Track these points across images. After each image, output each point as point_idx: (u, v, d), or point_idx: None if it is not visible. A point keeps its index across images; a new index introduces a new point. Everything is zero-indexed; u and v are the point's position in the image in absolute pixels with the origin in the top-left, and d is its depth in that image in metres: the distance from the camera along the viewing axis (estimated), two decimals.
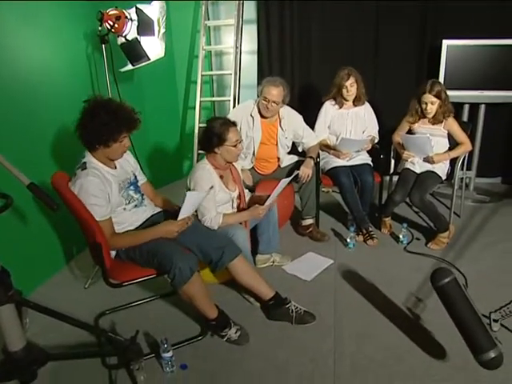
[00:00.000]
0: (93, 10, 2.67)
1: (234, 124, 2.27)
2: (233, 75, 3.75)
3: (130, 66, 2.84)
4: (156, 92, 3.88)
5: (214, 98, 4.26)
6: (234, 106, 3.69)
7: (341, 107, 3.01)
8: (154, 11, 2.74)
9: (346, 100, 2.99)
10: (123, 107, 1.84)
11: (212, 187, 2.12)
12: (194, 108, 3.88)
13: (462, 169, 3.13)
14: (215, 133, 2.21)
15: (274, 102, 2.67)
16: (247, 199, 2.50)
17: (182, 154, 4.35)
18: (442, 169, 2.85)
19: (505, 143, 3.77)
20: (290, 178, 2.41)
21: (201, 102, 3.85)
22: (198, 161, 3.69)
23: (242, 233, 2.24)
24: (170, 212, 2.16)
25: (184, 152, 4.33)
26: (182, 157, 4.36)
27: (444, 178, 2.87)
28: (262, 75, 3.85)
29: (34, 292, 2.44)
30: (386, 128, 3.18)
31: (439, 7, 3.46)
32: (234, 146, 2.24)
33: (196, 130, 3.83)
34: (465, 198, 3.36)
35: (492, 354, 1.63)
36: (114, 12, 2.60)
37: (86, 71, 2.94)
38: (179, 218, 1.92)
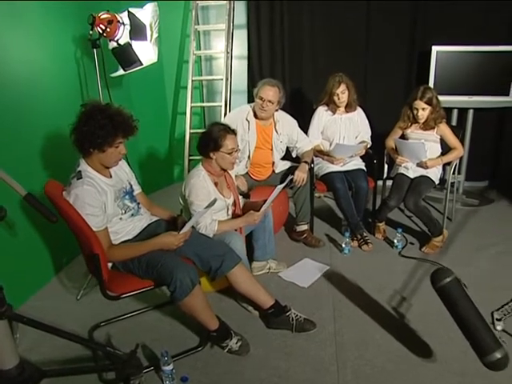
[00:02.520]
0: (84, 13, 2.60)
1: (233, 132, 2.26)
2: (224, 80, 3.72)
3: (121, 71, 2.77)
4: (145, 97, 3.81)
5: (205, 104, 4.21)
6: (226, 112, 3.65)
7: (334, 113, 3.01)
8: (146, 15, 2.69)
9: (338, 106, 2.99)
10: (121, 112, 1.80)
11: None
12: (184, 114, 3.82)
13: (454, 173, 3.17)
14: (212, 137, 2.20)
15: (270, 102, 2.66)
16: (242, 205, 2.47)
17: (172, 160, 4.28)
18: (435, 173, 2.87)
19: (492, 147, 3.84)
20: (285, 184, 2.40)
21: (191, 107, 3.81)
22: (189, 167, 3.64)
23: (238, 239, 2.21)
24: (167, 221, 2.12)
25: (174, 158, 4.27)
26: (172, 163, 4.30)
27: (437, 182, 2.90)
28: (252, 80, 3.84)
29: (23, 305, 2.35)
30: (378, 133, 3.20)
31: (429, 14, 3.51)
32: (230, 153, 2.22)
33: (187, 136, 3.75)
34: (454, 202, 3.40)
35: (498, 355, 1.59)
36: (106, 16, 2.54)
37: (76, 76, 2.87)
38: (182, 232, 1.87)
